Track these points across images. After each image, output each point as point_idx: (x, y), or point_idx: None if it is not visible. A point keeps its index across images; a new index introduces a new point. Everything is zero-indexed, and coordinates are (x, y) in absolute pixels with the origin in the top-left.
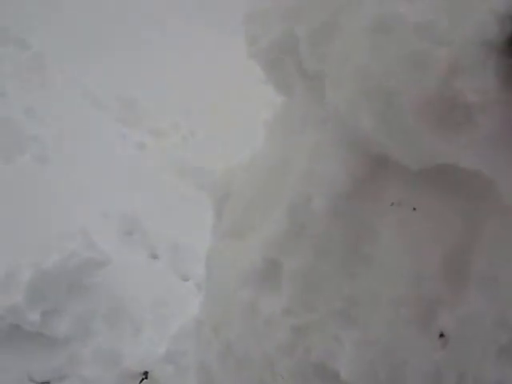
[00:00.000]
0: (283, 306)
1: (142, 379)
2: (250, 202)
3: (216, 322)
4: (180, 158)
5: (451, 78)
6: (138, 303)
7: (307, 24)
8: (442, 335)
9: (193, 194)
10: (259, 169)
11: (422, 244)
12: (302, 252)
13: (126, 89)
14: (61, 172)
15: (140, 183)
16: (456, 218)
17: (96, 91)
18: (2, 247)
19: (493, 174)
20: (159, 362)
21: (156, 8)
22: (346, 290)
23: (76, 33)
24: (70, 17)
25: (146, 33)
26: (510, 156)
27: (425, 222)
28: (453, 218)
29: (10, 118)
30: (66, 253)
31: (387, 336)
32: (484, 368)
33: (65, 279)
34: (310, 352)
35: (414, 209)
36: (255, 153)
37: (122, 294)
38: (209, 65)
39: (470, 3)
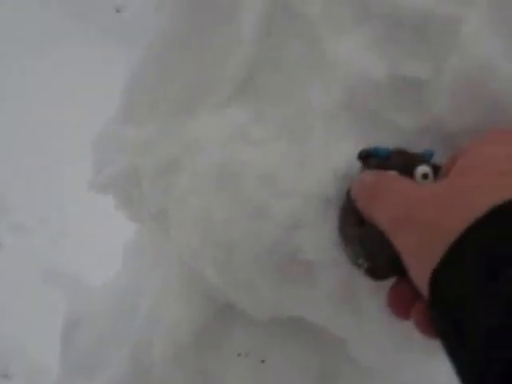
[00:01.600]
0: None
1: None
2: (100, 334)
3: None
4: (47, 261)
5: (291, 232)
6: None
7: (150, 162)
8: None
9: (58, 304)
10: (112, 297)
11: None
12: None
13: None
14: None
15: None
16: (308, 372)
17: None
18: None
19: (336, 330)
20: None
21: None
22: None
23: None
24: None
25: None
26: (349, 314)
27: (274, 375)
28: (305, 371)
29: None
30: None
31: None
32: None
33: None
34: None
35: (263, 361)
36: (111, 277)
37: None
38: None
39: (312, 158)
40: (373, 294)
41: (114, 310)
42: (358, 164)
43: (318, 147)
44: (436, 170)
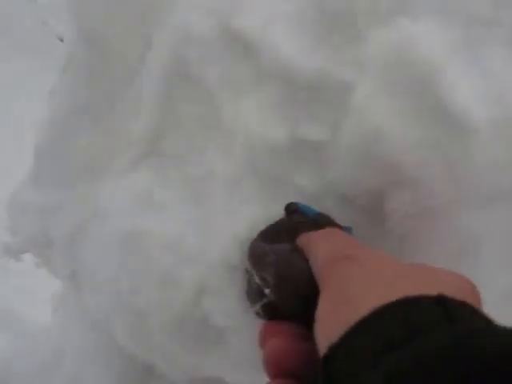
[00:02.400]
0: None
1: None
2: None
3: None
4: None
5: (199, 298)
6: None
7: (59, 227)
8: None
9: None
10: (39, 352)
11: None
12: None
13: None
14: None
15: None
16: None
17: None
18: None
19: None
20: None
21: None
22: None
23: None
24: None
25: None
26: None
27: None
28: None
29: None
30: None
31: None
32: None
33: None
34: None
35: None
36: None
37: None
38: None
39: (216, 223)
40: None
41: (37, 368)
42: (259, 228)
43: (220, 212)
44: None
